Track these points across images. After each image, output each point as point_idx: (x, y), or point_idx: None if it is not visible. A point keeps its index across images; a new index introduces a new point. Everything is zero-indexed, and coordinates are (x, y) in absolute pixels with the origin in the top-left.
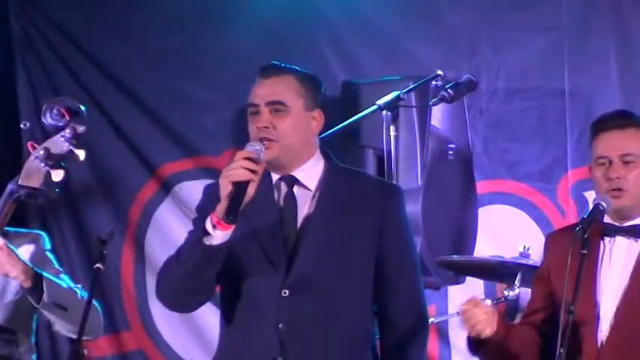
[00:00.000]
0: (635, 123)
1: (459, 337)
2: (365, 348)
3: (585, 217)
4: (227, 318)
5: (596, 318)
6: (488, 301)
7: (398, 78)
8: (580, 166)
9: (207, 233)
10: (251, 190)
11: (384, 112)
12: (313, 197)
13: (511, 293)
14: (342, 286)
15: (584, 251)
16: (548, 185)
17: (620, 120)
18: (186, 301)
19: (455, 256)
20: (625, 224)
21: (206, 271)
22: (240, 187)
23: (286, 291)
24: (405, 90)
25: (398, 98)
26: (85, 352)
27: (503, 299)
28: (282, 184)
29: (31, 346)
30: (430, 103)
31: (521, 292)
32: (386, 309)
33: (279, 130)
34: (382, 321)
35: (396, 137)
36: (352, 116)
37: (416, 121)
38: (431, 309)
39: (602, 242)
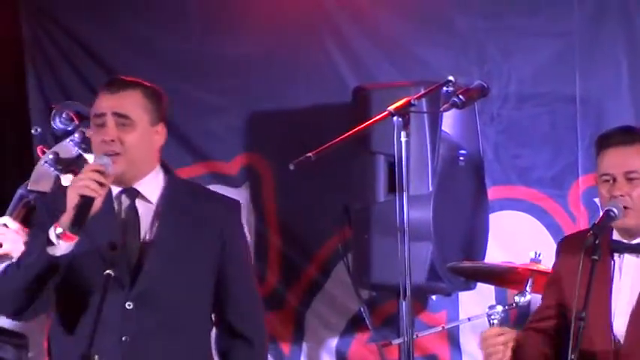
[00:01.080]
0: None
1: (470, 343)
2: (206, 358)
3: (596, 223)
4: (67, 329)
5: (611, 332)
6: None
7: (409, 84)
8: (591, 172)
9: (51, 244)
10: (98, 203)
11: (394, 117)
12: (156, 211)
13: (522, 299)
14: (184, 299)
15: (595, 257)
16: (559, 191)
17: (624, 136)
18: (23, 310)
19: (466, 262)
20: (633, 242)
21: (46, 281)
22: (87, 199)
23: (130, 304)
24: (416, 96)
25: (409, 104)
26: (97, 358)
27: (514, 305)
28: (123, 197)
29: (41, 349)
30: (441, 109)
31: (533, 298)
32: (225, 319)
33: (126, 145)
34: (222, 330)
35: (407, 143)
36: (363, 122)
37: (427, 127)
38: (442, 315)
39: (612, 259)
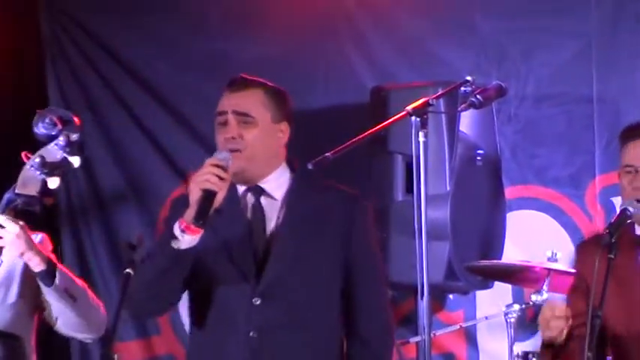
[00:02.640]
0: None
1: (487, 342)
2: (333, 357)
3: (612, 222)
4: (198, 325)
5: None
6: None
7: (427, 84)
8: (608, 172)
9: (175, 238)
10: (220, 197)
11: (412, 117)
12: (281, 208)
13: (539, 298)
14: (310, 296)
15: (612, 256)
16: (576, 191)
17: None
18: (151, 307)
19: (483, 261)
20: None
21: (173, 275)
22: (209, 193)
23: (257, 299)
24: (434, 96)
25: (427, 104)
26: (117, 356)
27: (531, 304)
28: (249, 195)
29: (32, 347)
30: (459, 109)
31: (549, 297)
32: (353, 321)
33: (246, 141)
34: (349, 333)
35: (425, 143)
36: (381, 122)
37: (445, 127)
38: (459, 314)
39: (638, 254)
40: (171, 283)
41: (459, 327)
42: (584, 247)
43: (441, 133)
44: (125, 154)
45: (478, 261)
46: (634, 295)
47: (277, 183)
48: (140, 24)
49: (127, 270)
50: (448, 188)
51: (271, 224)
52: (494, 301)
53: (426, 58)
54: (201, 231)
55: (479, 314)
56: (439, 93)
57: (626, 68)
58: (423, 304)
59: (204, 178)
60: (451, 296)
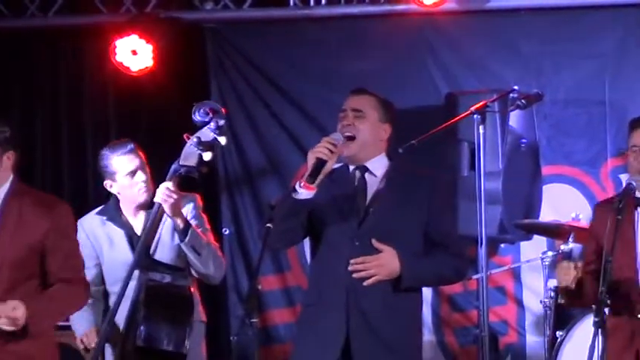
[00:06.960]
0: None
1: (528, 278)
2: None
3: (620, 192)
4: (315, 256)
5: (636, 265)
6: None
7: (486, 91)
8: (616, 156)
9: (295, 191)
10: (329, 165)
11: (475, 115)
12: (379, 182)
13: (566, 247)
14: (394, 243)
15: (619, 217)
16: (593, 169)
17: None
18: (280, 241)
19: (525, 220)
20: None
21: (293, 217)
22: (320, 161)
23: (357, 242)
24: (490, 100)
25: (486, 106)
26: (260, 286)
27: (560, 252)
28: (357, 171)
29: (193, 277)
30: (509, 109)
31: (574, 247)
32: (437, 246)
33: (358, 128)
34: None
35: (484, 134)
36: (453, 118)
37: (498, 123)
38: (508, 258)
39: (636, 212)
40: (292, 223)
41: (507, 268)
42: (600, 208)
43: (495, 126)
44: (266, 140)
45: (522, 220)
46: (632, 246)
47: (378, 165)
48: (280, 48)
49: (268, 224)
50: (500, 167)
51: (371, 191)
52: (533, 249)
53: (485, 73)
54: (314, 188)
55: (522, 258)
56: (494, 98)
57: (631, 79)
58: (482, 250)
59: (319, 150)
60: (502, 245)
